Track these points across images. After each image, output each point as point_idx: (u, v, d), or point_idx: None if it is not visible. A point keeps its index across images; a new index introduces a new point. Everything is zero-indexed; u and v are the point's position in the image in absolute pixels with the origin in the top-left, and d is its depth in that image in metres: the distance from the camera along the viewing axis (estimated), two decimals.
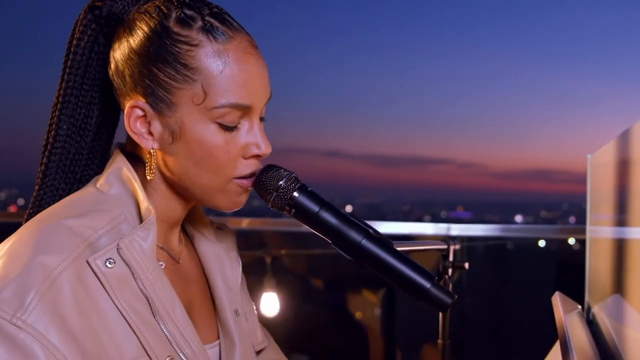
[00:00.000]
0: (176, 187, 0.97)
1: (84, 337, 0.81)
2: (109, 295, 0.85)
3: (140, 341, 0.86)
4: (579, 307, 1.44)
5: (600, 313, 1.27)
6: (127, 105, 0.91)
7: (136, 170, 0.95)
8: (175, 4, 0.91)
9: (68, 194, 0.97)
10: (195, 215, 1.11)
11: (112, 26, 0.96)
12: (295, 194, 0.93)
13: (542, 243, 4.28)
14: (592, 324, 1.34)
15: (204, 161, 0.91)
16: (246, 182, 0.95)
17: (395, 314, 3.34)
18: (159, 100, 0.90)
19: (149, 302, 0.89)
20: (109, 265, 0.85)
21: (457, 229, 2.80)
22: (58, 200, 0.96)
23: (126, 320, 0.86)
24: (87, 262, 0.84)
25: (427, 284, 0.91)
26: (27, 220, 0.95)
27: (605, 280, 1.25)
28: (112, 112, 1.01)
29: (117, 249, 0.87)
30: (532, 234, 2.92)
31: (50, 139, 0.97)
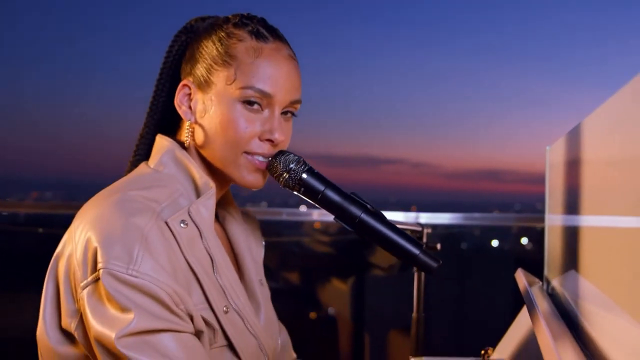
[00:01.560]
0: (208, 164, 1.15)
1: (176, 278, 0.99)
2: (181, 250, 1.02)
3: (204, 291, 1.04)
4: (540, 282, 1.62)
5: (558, 286, 1.44)
6: (180, 85, 1.13)
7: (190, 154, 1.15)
8: (239, 15, 1.13)
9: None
10: (226, 200, 1.28)
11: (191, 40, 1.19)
12: (304, 175, 1.09)
13: (495, 243, 4.49)
14: (551, 296, 1.50)
15: (224, 132, 1.09)
16: (257, 162, 1.12)
17: (365, 302, 3.51)
18: (202, 79, 1.10)
19: (211, 259, 1.08)
20: (183, 226, 1.03)
21: (424, 217, 3.14)
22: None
23: (194, 273, 1.03)
24: (166, 222, 1.02)
25: (417, 251, 1.07)
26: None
27: (562, 259, 1.42)
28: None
29: (189, 212, 1.05)
30: (494, 222, 3.11)
31: (144, 130, 1.22)
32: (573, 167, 1.28)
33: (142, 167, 1.15)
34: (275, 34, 1.14)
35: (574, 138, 1.27)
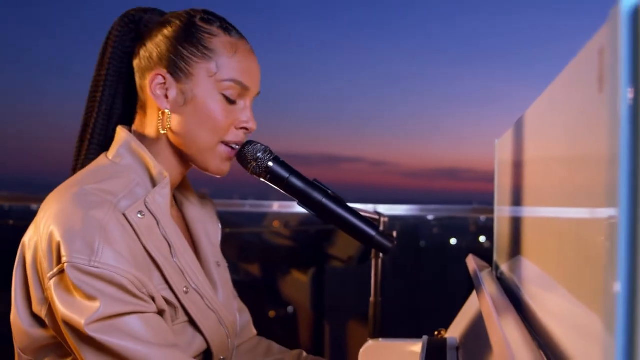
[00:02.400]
0: (177, 152, 1.21)
1: (136, 264, 1.05)
2: (140, 239, 1.08)
3: (164, 275, 1.11)
4: (489, 267, 1.72)
5: (506, 270, 1.53)
6: (152, 75, 1.16)
7: (145, 142, 1.20)
8: (200, 11, 1.19)
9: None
10: (183, 185, 1.34)
11: (140, 31, 1.23)
12: (270, 163, 1.18)
13: (453, 241, 4.61)
14: (500, 280, 1.60)
15: (206, 122, 1.16)
16: (230, 151, 1.20)
17: (325, 292, 3.60)
18: (179, 70, 1.15)
19: (169, 245, 1.14)
20: (140, 216, 1.09)
21: (381, 209, 3.23)
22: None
23: (153, 259, 1.09)
24: (124, 214, 1.07)
25: (373, 232, 1.16)
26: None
27: (509, 246, 1.51)
28: (131, 103, 1.27)
29: (145, 203, 1.10)
30: (449, 213, 3.23)
31: (93, 120, 1.23)
32: (518, 158, 1.37)
33: (101, 158, 1.21)
34: (239, 32, 1.22)
35: (518, 130, 1.36)
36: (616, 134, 0.49)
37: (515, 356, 0.64)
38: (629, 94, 0.48)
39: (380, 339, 1.85)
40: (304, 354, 1.52)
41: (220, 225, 1.44)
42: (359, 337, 3.27)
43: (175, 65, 1.16)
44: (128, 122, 1.26)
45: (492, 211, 2.13)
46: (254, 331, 1.55)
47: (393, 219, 3.33)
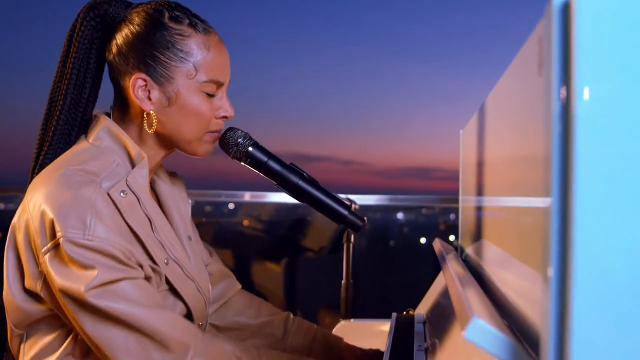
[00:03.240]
0: (163, 140, 1.29)
1: (122, 237, 1.14)
2: (123, 216, 1.16)
3: (146, 249, 1.19)
4: (455, 250, 1.82)
5: (471, 253, 1.64)
6: (132, 78, 1.22)
7: (126, 129, 1.27)
8: (166, 6, 1.24)
9: (63, 152, 1.27)
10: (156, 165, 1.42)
11: (107, 23, 1.27)
12: (250, 148, 1.27)
13: (423, 240, 4.72)
14: (465, 261, 1.70)
15: (191, 118, 1.24)
16: (215, 135, 1.29)
17: (296, 281, 3.70)
18: (159, 75, 1.22)
19: (150, 221, 1.22)
20: (123, 195, 1.17)
21: (353, 198, 3.32)
22: (58, 157, 1.25)
23: (135, 234, 1.18)
24: (108, 193, 1.15)
25: (345, 212, 1.26)
26: (37, 171, 1.25)
27: (473, 231, 1.62)
28: (96, 92, 1.32)
29: (127, 182, 1.18)
30: (417, 202, 3.34)
31: (57, 112, 1.27)
32: (478, 147, 1.46)
33: (81, 142, 1.27)
34: (206, 23, 1.28)
35: (478, 119, 1.46)
36: (550, 125, 0.59)
37: (474, 311, 0.74)
38: (562, 90, 0.58)
39: (352, 320, 1.96)
40: (291, 316, 1.62)
41: (190, 201, 1.52)
42: (331, 322, 3.37)
43: (154, 69, 1.23)
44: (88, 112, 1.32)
45: (454, 200, 2.24)
46: (239, 285, 1.65)
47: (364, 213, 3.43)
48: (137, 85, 1.23)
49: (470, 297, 0.90)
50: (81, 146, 1.25)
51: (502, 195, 1.10)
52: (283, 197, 3.35)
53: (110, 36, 1.27)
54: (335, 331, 1.82)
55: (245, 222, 4.19)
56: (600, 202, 0.56)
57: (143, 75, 1.23)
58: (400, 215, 4.78)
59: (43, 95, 1.31)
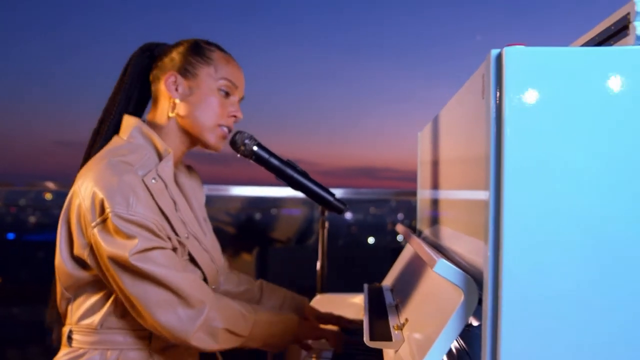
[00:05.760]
0: (183, 133, 1.60)
1: (154, 215, 1.44)
2: (154, 198, 1.47)
3: (172, 225, 1.50)
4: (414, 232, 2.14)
5: (428, 233, 1.93)
6: (166, 75, 1.57)
7: (155, 130, 1.59)
8: (199, 39, 1.63)
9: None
10: (177, 160, 1.72)
11: (153, 59, 1.64)
12: (255, 147, 1.58)
13: (371, 240, 5.03)
14: (423, 239, 2.01)
15: (206, 108, 1.58)
16: (225, 132, 1.61)
17: (268, 270, 3.99)
18: (187, 72, 1.57)
19: (174, 203, 1.53)
20: (154, 181, 1.48)
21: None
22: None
23: (163, 213, 1.48)
24: (143, 180, 1.46)
25: (331, 198, 1.58)
26: (88, 157, 1.58)
27: (429, 217, 1.92)
28: (140, 110, 1.67)
29: (157, 171, 1.49)
30: (374, 196, 3.64)
31: (108, 121, 1.61)
32: (432, 149, 1.74)
33: (116, 139, 1.57)
34: (228, 52, 1.66)
35: (434, 126, 1.71)
36: (489, 130, 0.92)
37: (439, 256, 1.05)
38: (495, 100, 0.91)
39: (327, 293, 2.27)
40: (264, 282, 1.95)
41: (204, 190, 1.83)
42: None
43: (184, 68, 1.57)
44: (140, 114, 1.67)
45: (411, 193, 2.56)
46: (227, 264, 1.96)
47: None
48: (169, 80, 1.57)
49: (433, 251, 1.23)
50: (118, 143, 1.55)
51: (451, 189, 1.40)
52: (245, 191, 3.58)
53: (157, 60, 1.63)
54: (313, 303, 2.12)
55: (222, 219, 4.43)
56: (523, 190, 0.89)
57: (175, 73, 1.57)
58: (348, 215, 5.00)
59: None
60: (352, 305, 2.13)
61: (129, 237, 1.39)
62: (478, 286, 0.99)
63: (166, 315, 1.42)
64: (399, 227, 2.01)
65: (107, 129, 1.60)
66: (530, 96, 0.89)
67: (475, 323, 1.14)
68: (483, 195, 0.95)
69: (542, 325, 0.89)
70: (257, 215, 4.46)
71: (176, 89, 1.57)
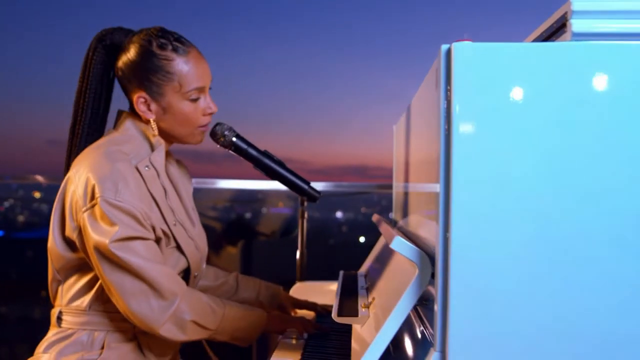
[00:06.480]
0: (166, 136, 1.66)
1: (143, 203, 1.51)
2: (146, 185, 1.54)
3: (161, 212, 1.58)
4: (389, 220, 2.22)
5: (403, 225, 2.01)
6: (136, 96, 1.60)
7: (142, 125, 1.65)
8: (153, 36, 1.60)
9: (92, 143, 1.63)
10: (167, 152, 1.79)
11: (114, 48, 1.65)
12: (234, 138, 1.66)
13: (362, 239, 5.02)
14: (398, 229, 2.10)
15: (184, 122, 1.63)
16: (204, 128, 1.67)
17: (252, 262, 4.09)
18: (154, 92, 1.59)
19: (165, 191, 1.61)
20: (147, 169, 1.56)
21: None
22: (88, 145, 1.62)
23: (154, 199, 1.56)
24: (136, 167, 1.53)
25: (305, 186, 1.67)
26: (70, 160, 1.64)
27: (402, 207, 2.00)
28: (108, 103, 1.70)
29: (150, 160, 1.57)
30: (357, 189, 3.72)
31: (81, 120, 1.65)
32: (404, 141, 1.80)
33: (111, 132, 1.64)
34: (186, 42, 1.63)
35: (406, 117, 1.79)
36: (439, 122, 1.00)
37: (396, 234, 1.13)
38: (447, 92, 1.00)
39: (306, 282, 2.35)
40: (239, 275, 2.04)
41: (192, 181, 1.89)
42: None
43: (150, 89, 1.58)
44: (105, 116, 1.70)
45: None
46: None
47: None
48: (139, 102, 1.60)
49: (394, 231, 1.32)
50: (113, 135, 1.62)
51: (416, 181, 1.47)
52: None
53: (116, 61, 1.64)
54: (293, 291, 2.21)
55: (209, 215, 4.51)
56: (470, 177, 0.98)
57: (143, 94, 1.59)
58: (339, 214, 5.06)
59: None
60: (328, 292, 2.22)
61: (112, 223, 1.46)
62: (432, 263, 1.08)
63: (139, 304, 1.49)
64: (375, 217, 2.09)
65: (81, 131, 1.65)
66: (477, 89, 0.98)
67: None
68: (436, 182, 1.03)
69: (486, 295, 0.98)
70: (247, 214, 4.51)
71: (149, 109, 1.61)
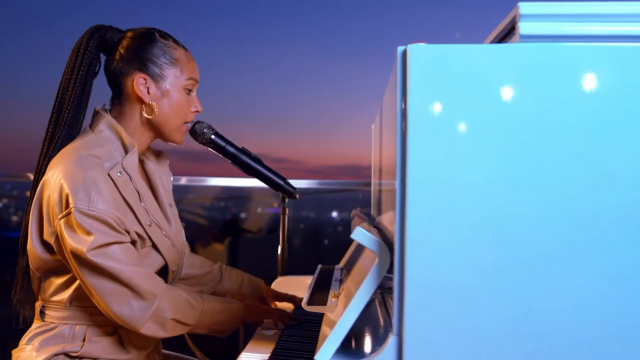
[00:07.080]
0: (151, 129, 1.70)
1: (117, 208, 1.54)
2: (119, 191, 1.57)
3: (135, 215, 1.61)
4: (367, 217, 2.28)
5: (381, 221, 2.07)
6: (136, 77, 1.63)
7: (122, 123, 1.67)
8: (154, 30, 1.67)
9: (69, 142, 1.66)
10: (146, 148, 1.82)
11: (105, 45, 1.69)
12: (213, 136, 1.73)
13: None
14: (377, 228, 2.16)
15: (176, 111, 1.67)
16: (187, 127, 1.73)
17: (239, 257, 4.15)
18: (156, 74, 1.64)
19: (139, 194, 1.64)
20: (119, 175, 1.58)
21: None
22: (66, 145, 1.64)
23: (128, 204, 1.59)
24: (109, 174, 1.55)
25: (282, 182, 1.74)
26: (46, 157, 1.65)
27: (377, 203, 2.05)
28: (89, 97, 1.71)
29: (122, 165, 1.59)
30: (344, 186, 3.78)
31: (65, 113, 1.66)
32: (377, 140, 1.86)
33: (87, 132, 1.65)
34: (183, 45, 1.72)
35: (379, 117, 1.82)
36: (396, 121, 1.06)
37: (359, 225, 1.19)
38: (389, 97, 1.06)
39: (289, 276, 2.41)
40: (224, 265, 2.10)
41: (171, 175, 1.93)
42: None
43: (153, 71, 1.63)
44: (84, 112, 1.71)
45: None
46: (188, 249, 2.06)
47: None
48: (139, 83, 1.63)
49: (361, 223, 1.37)
50: (88, 135, 1.64)
51: (385, 179, 1.50)
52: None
53: (113, 51, 1.68)
54: (274, 285, 2.27)
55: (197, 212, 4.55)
56: (425, 173, 1.04)
57: (144, 75, 1.63)
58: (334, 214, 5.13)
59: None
60: (308, 285, 2.27)
61: (87, 232, 1.48)
62: (389, 249, 1.14)
63: (120, 306, 1.53)
64: (353, 212, 2.15)
65: (63, 125, 1.66)
66: (432, 89, 1.04)
67: None
68: (394, 179, 1.09)
69: (438, 283, 1.04)
70: (237, 212, 4.56)
71: (148, 92, 1.65)
